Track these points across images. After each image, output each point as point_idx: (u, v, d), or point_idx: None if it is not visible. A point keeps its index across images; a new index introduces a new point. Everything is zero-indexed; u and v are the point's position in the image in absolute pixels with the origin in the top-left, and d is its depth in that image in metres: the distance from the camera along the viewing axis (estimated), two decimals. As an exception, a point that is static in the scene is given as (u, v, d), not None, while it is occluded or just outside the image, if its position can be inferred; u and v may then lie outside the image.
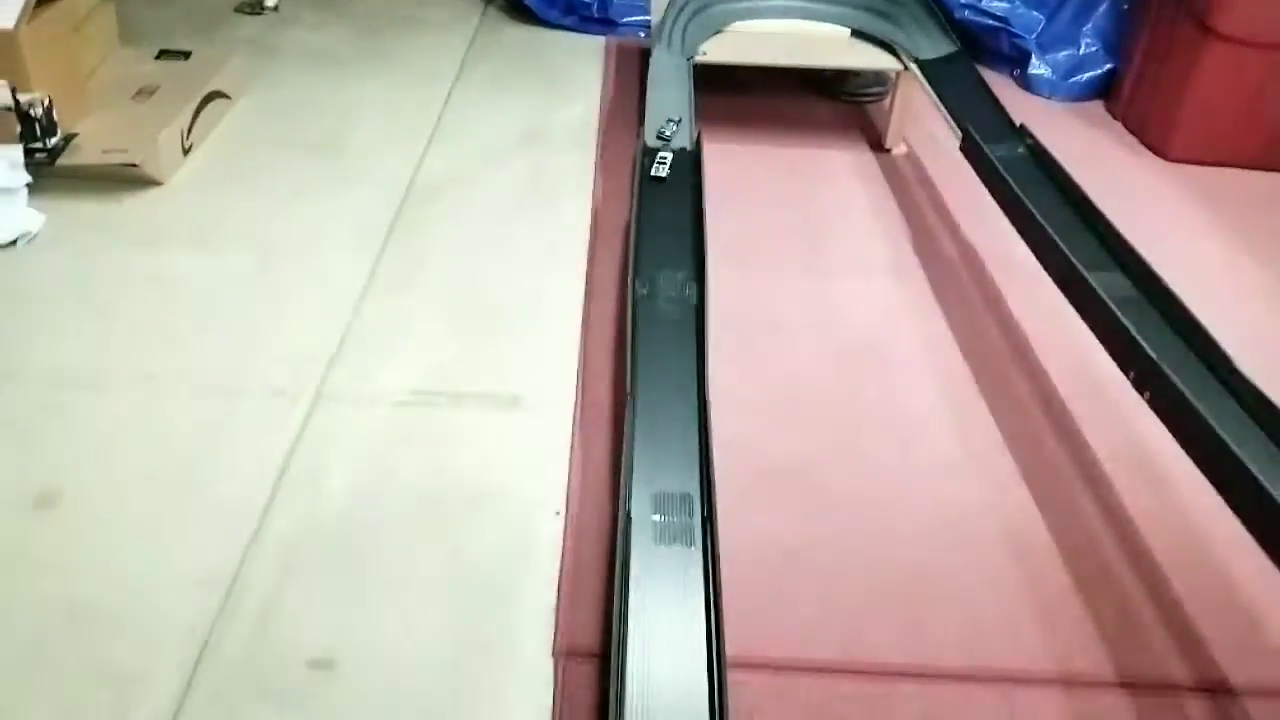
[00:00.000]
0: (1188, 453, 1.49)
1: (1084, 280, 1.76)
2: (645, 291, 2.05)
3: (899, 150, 3.08)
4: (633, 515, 1.58)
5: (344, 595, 1.58)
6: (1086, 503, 1.84)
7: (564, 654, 1.51)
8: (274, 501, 1.76)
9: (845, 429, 1.98)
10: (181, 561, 1.63)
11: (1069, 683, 1.50)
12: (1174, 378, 1.46)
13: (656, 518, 1.59)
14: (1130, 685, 1.50)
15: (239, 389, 2.01)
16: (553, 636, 1.53)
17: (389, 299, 2.31)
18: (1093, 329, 1.75)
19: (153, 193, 2.67)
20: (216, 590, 1.58)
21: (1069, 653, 1.55)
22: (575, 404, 2.01)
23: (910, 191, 2.91)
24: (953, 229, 2.72)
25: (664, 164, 2.34)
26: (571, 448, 1.90)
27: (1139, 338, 1.56)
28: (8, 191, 2.45)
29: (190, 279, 2.34)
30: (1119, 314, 1.62)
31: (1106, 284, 1.75)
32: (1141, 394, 1.55)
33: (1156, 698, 1.49)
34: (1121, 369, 1.62)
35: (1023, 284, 2.40)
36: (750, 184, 2.87)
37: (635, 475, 1.62)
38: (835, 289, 2.42)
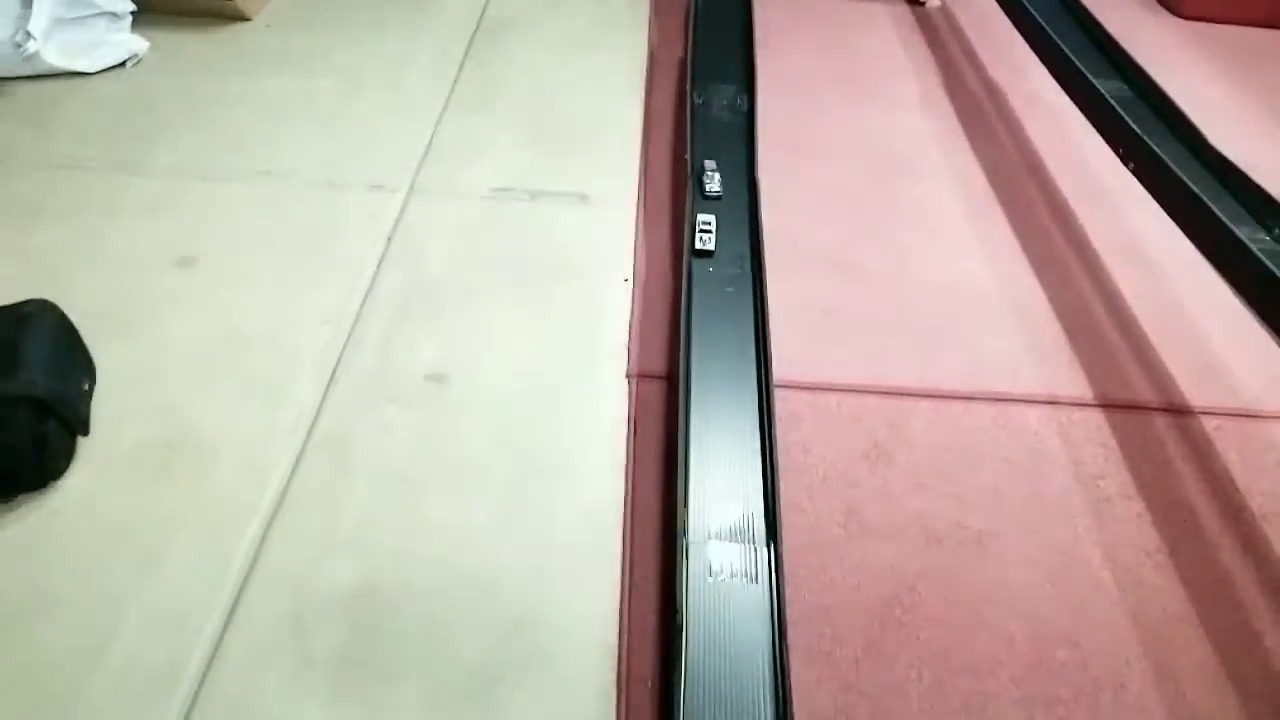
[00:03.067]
0: (1164, 207, 1.77)
1: (1090, 84, 2.01)
2: (701, 101, 2.32)
3: (933, 3, 3.29)
4: (693, 270, 1.88)
5: (449, 332, 1.89)
6: (1083, 280, 2.13)
7: (636, 375, 1.82)
8: (382, 265, 2.06)
9: (877, 223, 2.27)
10: (309, 306, 1.95)
11: (1054, 402, 1.81)
12: (1154, 147, 1.73)
13: (712, 268, 1.90)
14: (1105, 405, 1.81)
15: (341, 183, 2.30)
16: (626, 362, 1.84)
17: (466, 117, 2.58)
18: (1092, 121, 2.02)
19: (242, 27, 2.93)
20: (341, 327, 1.90)
21: (1055, 382, 1.86)
22: (638, 202, 2.29)
23: (943, 39, 3.14)
24: (979, 70, 2.95)
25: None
26: (636, 233, 2.19)
27: (1127, 119, 1.83)
28: (116, 17, 2.72)
29: (284, 98, 2.61)
30: (1115, 106, 1.88)
31: (1109, 88, 2.01)
32: (1127, 165, 1.82)
33: (1126, 413, 1.80)
34: (1112, 147, 1.90)
35: (1041, 115, 2.67)
36: (795, 31, 3.10)
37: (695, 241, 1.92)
38: (871, 118, 2.68)
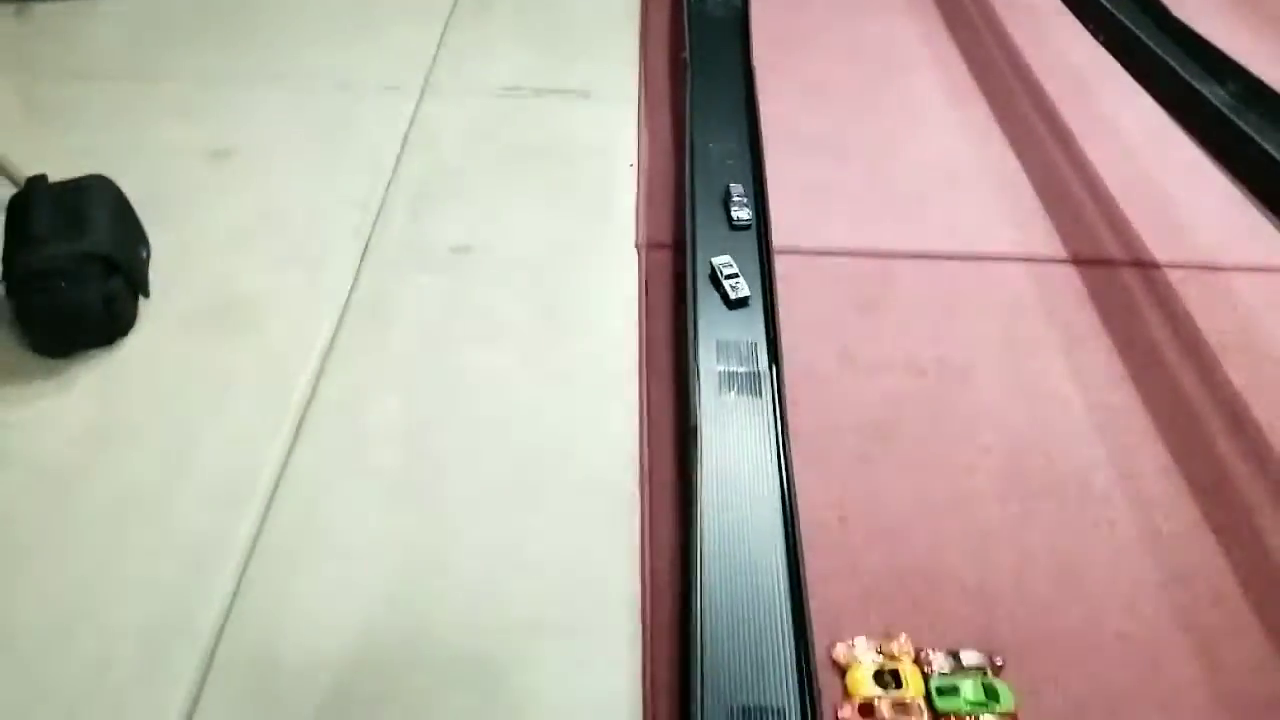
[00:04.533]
0: (1131, 73, 1.93)
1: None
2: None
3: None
4: (695, 145, 2.03)
5: (470, 211, 2.04)
6: (1057, 154, 2.30)
7: (644, 245, 1.98)
8: (403, 156, 2.21)
9: (865, 111, 2.42)
10: (338, 191, 2.09)
11: (1030, 260, 1.98)
12: (1122, 19, 1.88)
13: (713, 145, 2.05)
14: (1077, 261, 1.98)
15: (357, 84, 2.43)
16: (635, 234, 2.00)
17: (471, 24, 2.71)
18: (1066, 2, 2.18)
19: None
20: (370, 208, 2.05)
21: (1031, 242, 2.02)
22: (639, 96, 2.43)
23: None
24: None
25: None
26: (638, 122, 2.34)
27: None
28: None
29: (297, 6, 2.73)
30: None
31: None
32: (1098, 38, 1.98)
33: (1096, 268, 1.97)
34: (1083, 23, 2.05)
35: (1020, 15, 2.80)
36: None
37: (695, 125, 2.07)
38: (859, 20, 2.81)
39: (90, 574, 1.32)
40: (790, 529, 1.34)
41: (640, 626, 1.30)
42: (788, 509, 1.37)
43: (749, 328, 1.65)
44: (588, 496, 1.45)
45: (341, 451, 1.50)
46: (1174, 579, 1.42)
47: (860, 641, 1.31)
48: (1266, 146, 1.57)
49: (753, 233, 1.89)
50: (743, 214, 1.90)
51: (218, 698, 1.20)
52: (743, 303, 1.69)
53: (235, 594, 1.32)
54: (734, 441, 1.47)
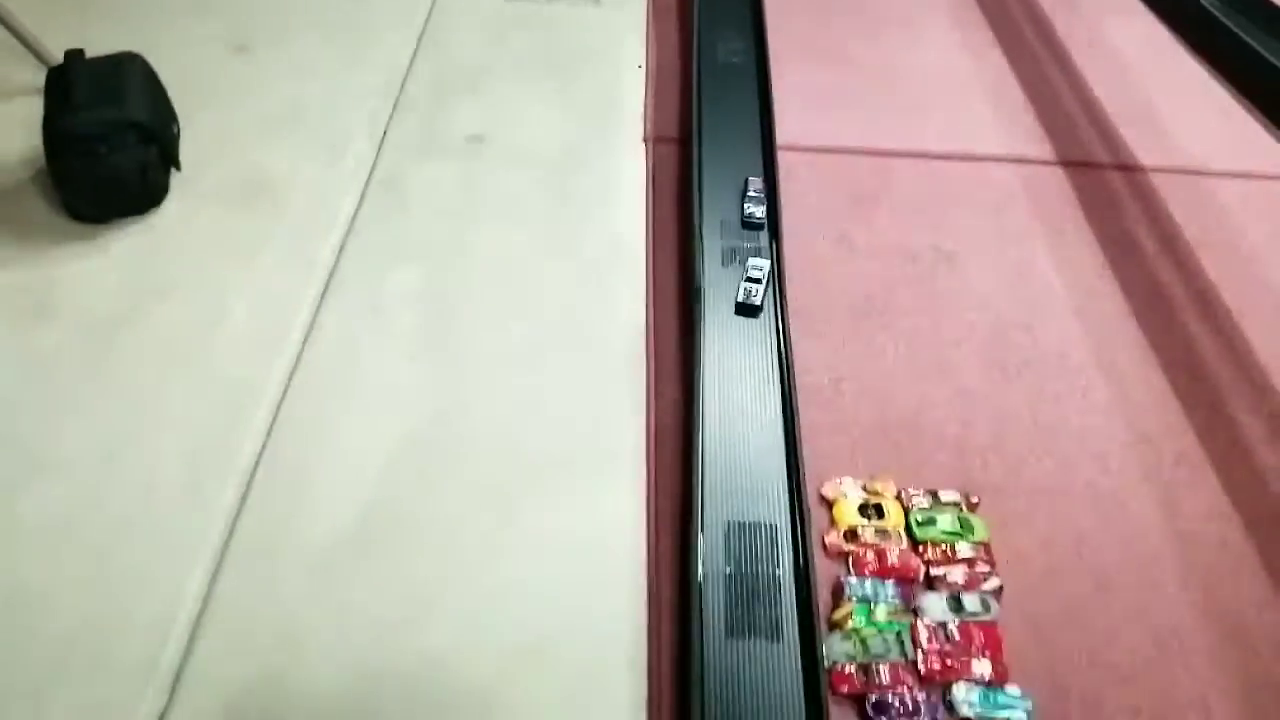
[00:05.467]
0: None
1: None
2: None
3: None
4: (701, 44, 2.10)
5: (483, 105, 2.12)
6: (1050, 66, 2.38)
7: (652, 139, 2.06)
8: (417, 55, 2.28)
9: (867, 26, 2.50)
10: (355, 84, 2.17)
11: (1021, 161, 2.07)
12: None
13: (720, 51, 2.13)
14: (1065, 163, 2.07)
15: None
16: (643, 128, 2.08)
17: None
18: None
19: None
20: (387, 99, 2.13)
21: (1023, 145, 2.12)
22: (646, 3, 2.50)
23: None
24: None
25: None
26: (646, 27, 2.41)
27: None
28: None
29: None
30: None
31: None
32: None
33: (1084, 170, 2.06)
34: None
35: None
36: None
37: (701, 25, 2.14)
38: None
39: (134, 410, 1.42)
40: (785, 375, 1.44)
41: (646, 465, 1.41)
42: (784, 362, 1.47)
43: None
44: (597, 355, 1.56)
45: (365, 312, 1.60)
46: (1141, 440, 1.53)
47: (847, 480, 1.42)
48: (1254, 45, 1.66)
49: (757, 127, 1.97)
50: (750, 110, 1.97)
51: (256, 517, 1.31)
52: (746, 187, 1.78)
53: (270, 430, 1.42)
54: (735, 306, 1.56)
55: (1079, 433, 1.52)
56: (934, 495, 1.40)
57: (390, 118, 2.05)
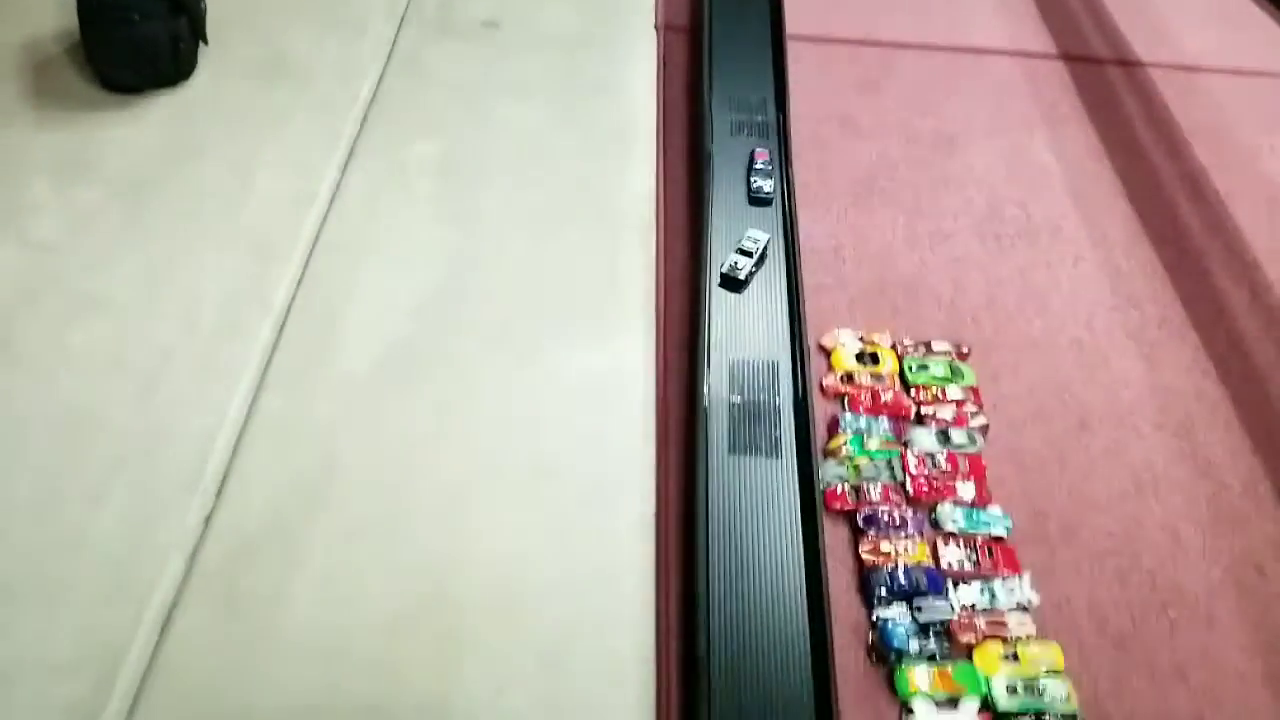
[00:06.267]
0: None
1: None
2: None
3: None
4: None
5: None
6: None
7: (663, 27, 2.11)
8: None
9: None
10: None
11: (1022, 54, 2.13)
12: None
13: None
14: (1066, 57, 2.12)
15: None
16: (655, 16, 2.13)
17: None
18: None
19: None
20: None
21: (1025, 40, 2.17)
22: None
23: None
24: None
25: None
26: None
27: None
28: None
29: None
30: None
31: None
32: None
33: (1084, 65, 2.11)
34: None
35: None
36: None
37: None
38: None
39: (172, 259, 1.51)
40: (789, 233, 1.52)
41: (656, 315, 1.49)
42: (788, 219, 1.55)
43: (759, 87, 1.81)
44: (610, 218, 1.63)
45: (388, 178, 1.68)
46: (1127, 303, 1.62)
47: (845, 332, 1.50)
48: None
49: (766, 15, 2.03)
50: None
51: (290, 351, 1.40)
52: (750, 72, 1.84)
53: (301, 279, 1.50)
54: (741, 171, 1.64)
55: (1068, 296, 1.61)
56: (927, 346, 1.49)
57: (408, 2, 2.10)
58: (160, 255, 1.50)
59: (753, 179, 1.63)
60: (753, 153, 1.67)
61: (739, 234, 1.53)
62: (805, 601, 1.15)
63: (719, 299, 1.44)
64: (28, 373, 1.33)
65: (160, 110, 1.76)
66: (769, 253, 1.50)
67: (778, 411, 1.29)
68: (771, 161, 1.63)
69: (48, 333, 1.38)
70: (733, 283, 1.49)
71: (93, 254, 1.49)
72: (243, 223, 1.56)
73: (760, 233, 1.54)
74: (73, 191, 1.59)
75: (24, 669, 1.07)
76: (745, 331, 1.40)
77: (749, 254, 1.50)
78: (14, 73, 1.78)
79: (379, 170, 1.68)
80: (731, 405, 1.30)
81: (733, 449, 1.26)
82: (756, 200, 1.60)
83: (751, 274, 1.49)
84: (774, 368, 1.35)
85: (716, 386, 1.32)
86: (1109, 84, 2.04)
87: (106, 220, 1.55)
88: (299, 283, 1.49)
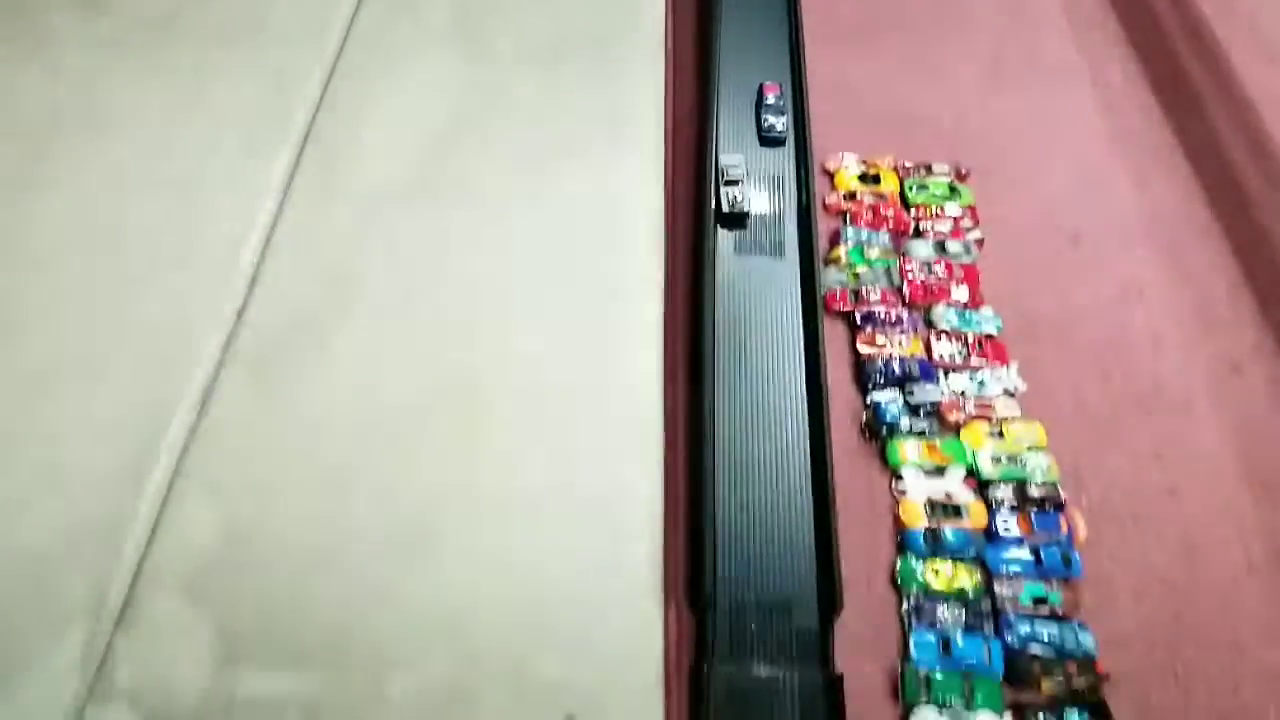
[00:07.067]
0: None
1: None
2: None
3: None
4: None
5: None
6: None
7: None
8: None
9: None
10: None
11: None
12: None
13: None
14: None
15: None
16: None
17: None
18: None
19: None
20: None
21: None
22: None
23: None
24: None
25: None
26: None
27: None
28: None
29: None
30: None
31: None
32: None
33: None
34: None
35: None
36: None
37: None
38: None
39: (191, 85, 1.55)
40: (794, 52, 1.56)
41: (664, 147, 1.54)
42: (794, 47, 1.58)
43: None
44: (619, 53, 1.66)
45: (403, 8, 1.70)
46: (1124, 135, 1.66)
47: (848, 155, 1.55)
48: None
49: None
50: None
51: (310, 173, 1.46)
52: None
53: (319, 102, 1.56)
54: (749, 19, 1.67)
55: (1065, 128, 1.65)
56: (927, 168, 1.54)
57: None
58: (184, 83, 1.55)
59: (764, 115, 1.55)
60: (761, 86, 1.60)
61: (748, 62, 1.56)
62: (805, 388, 1.22)
63: (725, 127, 1.48)
64: (65, 191, 1.38)
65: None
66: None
67: (781, 215, 1.35)
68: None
69: (82, 154, 1.43)
70: (735, 217, 1.42)
71: (113, 80, 1.54)
72: (261, 51, 1.60)
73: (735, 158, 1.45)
74: (92, 25, 1.63)
75: (76, 431, 1.15)
76: (752, 149, 1.44)
77: (735, 182, 1.41)
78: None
79: (392, 3, 1.71)
80: (734, 201, 1.34)
81: (738, 250, 1.32)
82: (769, 140, 1.54)
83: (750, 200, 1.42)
84: (779, 179, 1.40)
85: (724, 194, 1.37)
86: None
87: (126, 50, 1.59)
88: (318, 106, 1.54)
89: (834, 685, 1.00)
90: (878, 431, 1.22)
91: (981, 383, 1.27)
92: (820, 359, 1.19)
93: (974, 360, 1.29)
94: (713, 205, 1.35)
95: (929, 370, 1.28)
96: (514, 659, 1.07)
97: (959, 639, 1.06)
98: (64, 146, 1.45)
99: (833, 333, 1.34)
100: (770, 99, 1.54)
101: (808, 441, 1.17)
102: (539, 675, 1.06)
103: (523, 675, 1.06)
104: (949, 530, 1.14)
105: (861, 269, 1.38)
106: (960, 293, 1.36)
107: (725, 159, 1.41)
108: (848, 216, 1.46)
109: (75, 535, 1.11)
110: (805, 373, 1.22)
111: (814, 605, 1.05)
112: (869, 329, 1.31)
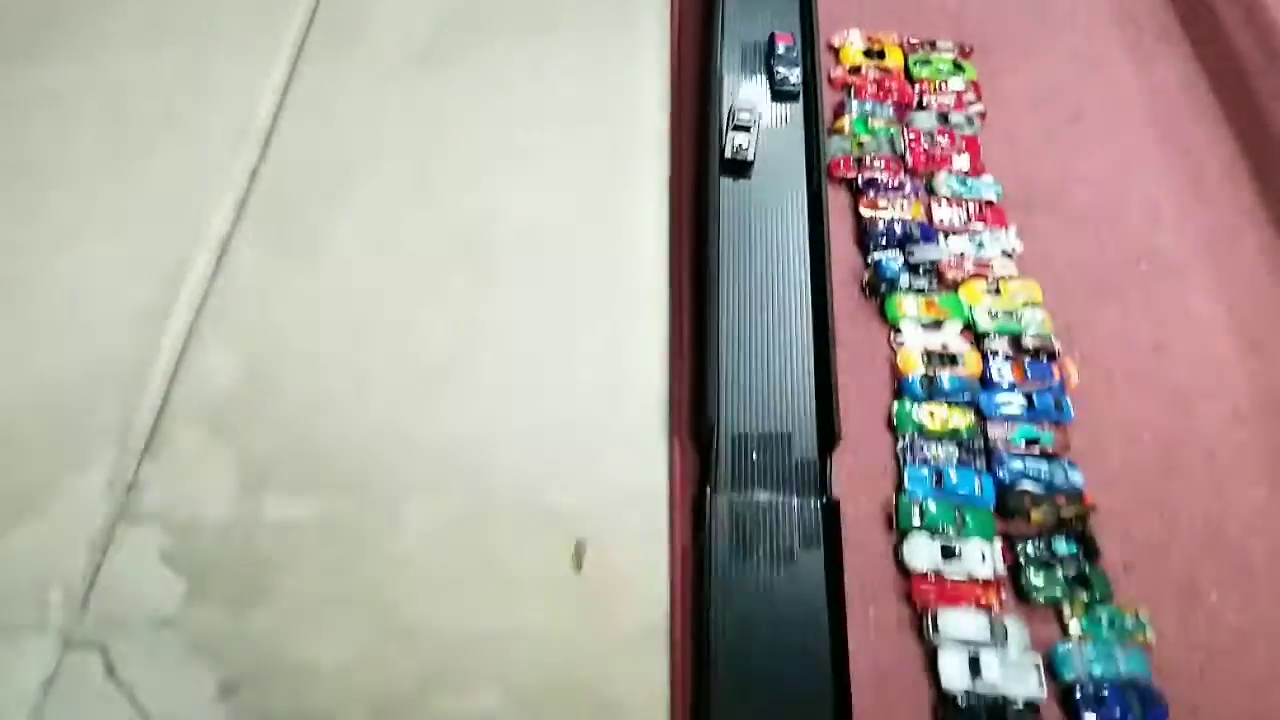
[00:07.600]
0: None
1: None
2: None
3: None
4: None
5: None
6: None
7: None
8: None
9: None
10: None
11: None
12: None
13: None
14: None
15: None
16: None
17: None
18: None
19: None
20: None
21: None
22: None
23: None
24: None
25: None
26: None
27: None
28: None
29: None
30: None
31: None
32: None
33: None
34: None
35: None
36: None
37: None
38: None
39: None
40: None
41: (668, 46, 1.55)
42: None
43: None
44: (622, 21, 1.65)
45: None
46: (1127, 18, 1.67)
47: (854, 31, 1.56)
48: None
49: None
50: None
51: (321, 44, 1.47)
52: None
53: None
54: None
55: (1069, 10, 1.66)
56: (932, 44, 1.55)
57: None
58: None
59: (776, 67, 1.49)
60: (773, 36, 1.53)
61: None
62: (808, 250, 1.25)
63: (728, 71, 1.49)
64: (80, 53, 1.40)
65: None
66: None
67: (789, 94, 1.37)
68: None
69: (95, 16, 1.45)
70: (739, 165, 1.37)
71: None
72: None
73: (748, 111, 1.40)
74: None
75: (101, 277, 1.18)
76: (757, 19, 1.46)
77: (746, 128, 1.37)
78: None
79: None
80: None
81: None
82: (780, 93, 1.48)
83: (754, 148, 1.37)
84: (788, 52, 1.41)
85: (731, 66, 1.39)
86: None
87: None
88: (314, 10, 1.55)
89: (832, 510, 1.05)
90: (878, 289, 1.26)
91: (980, 244, 1.30)
92: (824, 215, 1.22)
93: (974, 225, 1.32)
94: (718, 59, 1.37)
95: (929, 232, 1.31)
96: (526, 489, 1.11)
97: (952, 474, 1.10)
98: (77, 6, 1.46)
99: (836, 200, 1.37)
100: (781, 49, 1.49)
101: (810, 293, 1.20)
102: (550, 504, 1.11)
103: (534, 504, 1.11)
104: (945, 376, 1.18)
105: (865, 138, 1.40)
106: (962, 161, 1.39)
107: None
108: (852, 90, 1.48)
109: (102, 371, 1.15)
110: (808, 230, 1.24)
111: (813, 438, 1.09)
112: (871, 193, 1.34)
